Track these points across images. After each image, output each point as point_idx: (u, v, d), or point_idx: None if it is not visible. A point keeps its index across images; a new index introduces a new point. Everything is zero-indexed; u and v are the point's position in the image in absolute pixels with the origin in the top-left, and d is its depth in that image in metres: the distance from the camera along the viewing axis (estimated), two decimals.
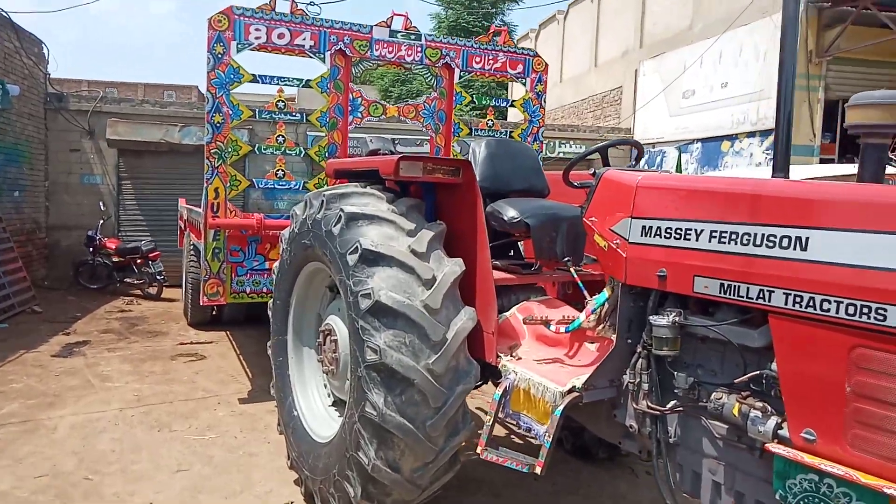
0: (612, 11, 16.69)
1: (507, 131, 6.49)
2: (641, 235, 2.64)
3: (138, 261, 10.33)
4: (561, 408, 2.71)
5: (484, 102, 6.60)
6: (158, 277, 10.24)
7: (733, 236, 2.21)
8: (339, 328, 3.47)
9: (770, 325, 2.06)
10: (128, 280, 10.47)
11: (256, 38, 5.24)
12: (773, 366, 2.07)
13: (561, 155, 13.58)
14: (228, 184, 5.26)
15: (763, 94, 10.90)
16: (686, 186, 2.57)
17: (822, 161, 10.46)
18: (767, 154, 10.70)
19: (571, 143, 14.00)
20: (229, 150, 5.25)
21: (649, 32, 14.99)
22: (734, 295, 2.18)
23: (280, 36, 5.33)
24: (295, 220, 3.69)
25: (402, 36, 5.75)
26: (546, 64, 6.45)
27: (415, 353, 2.86)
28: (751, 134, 11.27)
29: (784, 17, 2.87)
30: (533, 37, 21.60)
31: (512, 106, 6.48)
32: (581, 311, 3.57)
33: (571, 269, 3.43)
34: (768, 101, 10.74)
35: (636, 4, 15.41)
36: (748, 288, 2.13)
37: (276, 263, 4.02)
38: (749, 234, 2.15)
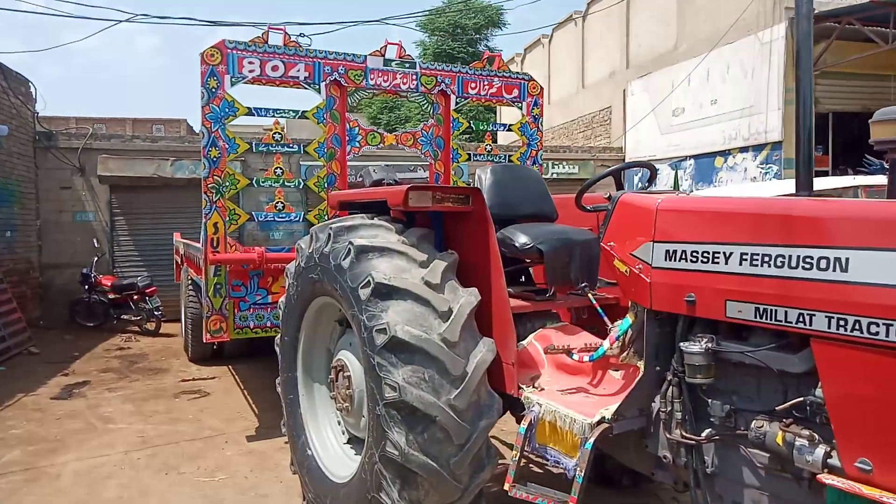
0: (597, 34, 16.88)
1: (505, 156, 6.47)
2: (665, 260, 2.58)
3: (135, 297, 10.20)
4: (591, 440, 2.63)
5: (481, 128, 6.57)
6: (156, 313, 10.11)
7: (766, 258, 2.16)
8: (351, 364, 3.38)
9: (812, 349, 2.00)
10: (125, 317, 10.35)
11: (250, 70, 5.21)
12: (818, 392, 2.01)
13: (554, 175, 13.61)
14: (227, 218, 5.18)
15: (753, 110, 11.00)
16: (710, 208, 2.53)
17: (818, 174, 10.50)
18: (762, 168, 10.77)
19: (564, 163, 14.04)
20: (227, 184, 5.18)
21: (635, 53, 15.15)
22: (771, 319, 2.12)
23: (274, 68, 5.29)
24: (300, 254, 3.61)
25: (396, 64, 5.73)
26: (541, 87, 6.46)
27: (435, 388, 2.78)
28: (744, 149, 11.35)
29: (798, 37, 2.87)
30: (519, 61, 21.80)
31: (509, 130, 6.46)
32: (600, 336, 3.52)
33: (589, 295, 3.37)
34: (759, 117, 10.84)
35: (620, 27, 15.60)
36: (786, 312, 2.07)
37: (283, 298, 3.93)
38: (783, 256, 2.10)
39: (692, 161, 12.69)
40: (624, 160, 14.85)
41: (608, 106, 16.14)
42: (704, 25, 12.38)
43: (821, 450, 1.98)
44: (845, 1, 10.31)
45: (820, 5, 10.37)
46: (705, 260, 2.42)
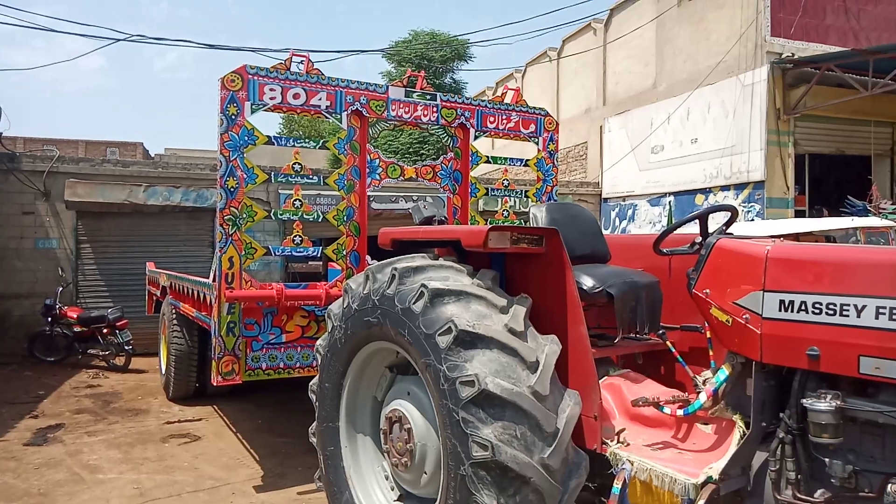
0: (572, 71, 17.14)
1: (522, 191, 6.35)
2: (780, 311, 2.47)
3: (104, 330, 9.61)
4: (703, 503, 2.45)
5: (499, 162, 6.46)
6: (126, 347, 9.54)
7: None
8: (412, 415, 3.14)
9: None
10: (91, 351, 9.72)
11: (271, 98, 4.97)
12: None
13: None
14: (243, 252, 4.88)
15: (735, 150, 11.23)
16: (833, 258, 2.42)
17: (798, 213, 10.77)
18: (744, 207, 10.96)
19: None
20: (244, 215, 4.89)
21: (612, 91, 15.41)
22: None
23: (295, 96, 5.07)
24: (350, 294, 3.37)
25: (417, 96, 5.58)
26: (556, 122, 6.40)
27: (527, 447, 2.58)
28: (725, 187, 11.56)
29: None
30: (490, 94, 21.98)
31: (526, 165, 6.36)
32: (662, 383, 3.38)
33: (668, 343, 3.23)
34: (741, 156, 11.08)
35: (597, 65, 15.87)
36: None
37: (322, 342, 3.65)
38: None
39: (672, 198, 12.87)
40: (601, 195, 14.99)
41: (584, 141, 16.33)
42: (684, 66, 12.67)
43: None
44: (824, 48, 10.69)
45: (799, 51, 10.75)
46: (831, 312, 2.31)
